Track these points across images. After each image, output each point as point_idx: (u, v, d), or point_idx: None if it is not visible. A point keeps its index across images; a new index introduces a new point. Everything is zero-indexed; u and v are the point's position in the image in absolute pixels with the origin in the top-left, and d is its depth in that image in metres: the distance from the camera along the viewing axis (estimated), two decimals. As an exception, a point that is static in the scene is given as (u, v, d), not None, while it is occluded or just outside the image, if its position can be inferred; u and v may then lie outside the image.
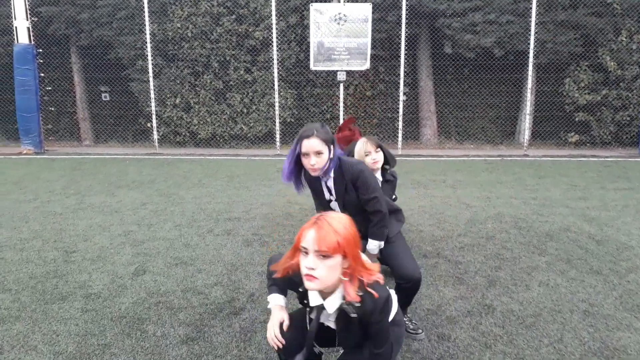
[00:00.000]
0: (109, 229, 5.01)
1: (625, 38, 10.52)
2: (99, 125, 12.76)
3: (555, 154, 10.34)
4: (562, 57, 10.97)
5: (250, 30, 11.06)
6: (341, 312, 1.84)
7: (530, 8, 10.23)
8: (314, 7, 10.20)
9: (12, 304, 3.31)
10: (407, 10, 10.28)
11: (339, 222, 1.71)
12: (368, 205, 2.78)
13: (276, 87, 10.72)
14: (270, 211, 5.60)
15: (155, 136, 11.09)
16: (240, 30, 11.04)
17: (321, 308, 1.86)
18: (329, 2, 10.46)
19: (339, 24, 10.11)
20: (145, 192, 6.70)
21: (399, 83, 10.88)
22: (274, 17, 10.49)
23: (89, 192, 6.66)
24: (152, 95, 10.87)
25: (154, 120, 11.04)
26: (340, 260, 1.72)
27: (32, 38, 10.40)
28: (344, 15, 10.10)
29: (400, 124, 10.73)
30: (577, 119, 11.14)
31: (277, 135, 10.96)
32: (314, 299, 1.85)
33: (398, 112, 10.96)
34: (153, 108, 10.96)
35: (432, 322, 3.05)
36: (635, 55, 10.50)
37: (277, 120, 10.83)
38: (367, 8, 10.13)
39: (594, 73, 10.96)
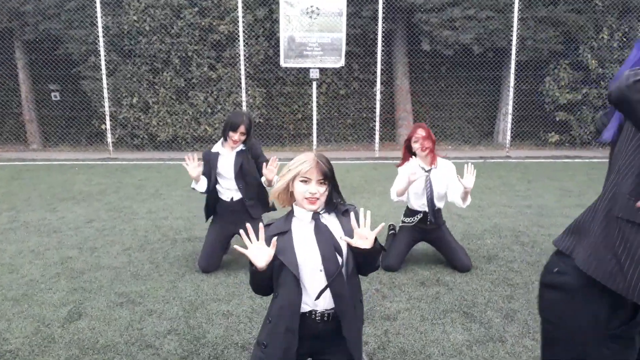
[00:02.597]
0: (43, 254, 4.16)
1: (607, 35, 10.21)
2: (48, 127, 11.65)
3: (538, 155, 9.94)
4: (542, 54, 10.58)
5: (214, 23, 10.21)
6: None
7: (512, 4, 9.78)
8: (283, -1, 9.46)
9: None
10: (383, 4, 9.66)
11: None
12: None
13: (243, 85, 9.94)
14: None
15: (110, 139, 10.12)
16: (203, 23, 10.18)
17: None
18: (300, -6, 9.72)
19: (311, 17, 9.40)
20: (92, 205, 5.83)
21: (374, 81, 10.26)
22: (240, 10, 9.70)
23: (26, 207, 5.75)
24: (106, 95, 9.89)
25: (108, 122, 10.07)
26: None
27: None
28: (317, 8, 9.40)
29: (378, 124, 10.11)
30: (557, 119, 10.79)
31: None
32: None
33: (373, 112, 10.34)
34: (107, 108, 9.98)
35: (447, 381, 2.39)
36: (616, 53, 10.20)
37: (245, 121, 10.04)
38: (342, 1, 9.46)
39: (574, 71, 10.63)
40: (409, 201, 3.85)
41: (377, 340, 2.77)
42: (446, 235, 3.84)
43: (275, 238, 1.81)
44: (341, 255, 1.88)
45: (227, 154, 3.75)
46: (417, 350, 2.67)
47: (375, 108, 10.17)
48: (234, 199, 3.78)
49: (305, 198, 1.88)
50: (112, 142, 10.20)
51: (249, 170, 3.74)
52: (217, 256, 3.77)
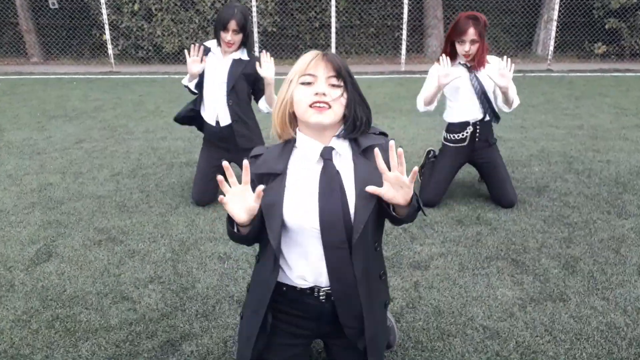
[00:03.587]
0: (21, 180, 3.65)
1: None
2: (48, 38, 10.86)
3: (583, 68, 8.88)
4: (596, -51, 9.15)
5: None
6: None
7: None
8: None
9: None
10: None
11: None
12: None
13: (254, -12, 8.89)
14: (243, 151, 4.22)
15: (111, 51, 9.34)
16: None
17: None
18: None
19: None
20: (85, 124, 5.25)
21: (401, -17, 9.07)
22: None
23: (12, 125, 5.20)
24: (103, 0, 8.97)
25: (108, 32, 9.23)
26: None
27: None
28: None
29: (405, 33, 9.04)
30: (606, 26, 9.54)
31: (256, 48, 9.28)
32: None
33: (400, 19, 9.25)
34: (105, 17, 9.10)
35: (497, 355, 1.85)
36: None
37: (256, 30, 9.10)
38: None
39: (632, -31, 9.22)
40: (453, 114, 3.08)
41: (406, 296, 2.22)
42: (497, 158, 3.12)
43: (261, 187, 1.15)
44: (349, 221, 1.25)
45: (220, 58, 3.02)
46: (457, 310, 2.12)
47: (402, 14, 9.07)
48: (221, 124, 3.05)
49: (310, 106, 1.22)
50: (115, 55, 9.44)
51: (243, 87, 3.03)
52: (211, 186, 3.18)
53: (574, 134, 4.72)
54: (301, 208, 1.26)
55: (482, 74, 2.93)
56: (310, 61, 1.21)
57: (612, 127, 4.95)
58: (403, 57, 9.14)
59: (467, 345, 1.91)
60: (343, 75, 1.22)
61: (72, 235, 2.81)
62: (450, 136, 3.11)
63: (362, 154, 1.30)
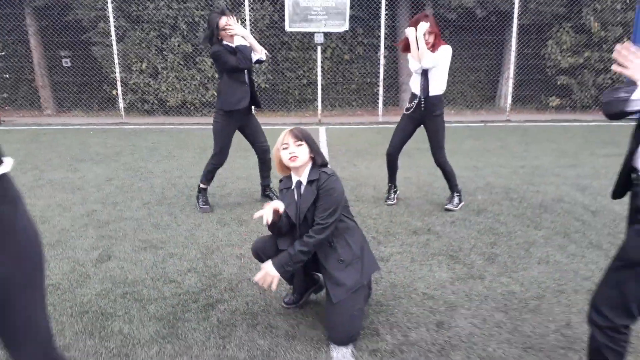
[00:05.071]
0: (70, 208, 4.56)
1: (610, -2, 10.24)
2: (60, 93, 11.96)
3: (538, 119, 10.16)
4: (544, 17, 10.65)
5: (220, -11, 10.35)
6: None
7: (515, -34, 9.81)
8: (288, -37, 9.54)
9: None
10: (386, -33, 9.73)
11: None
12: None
13: (249, 50, 10.11)
14: (247, 186, 5.21)
15: (121, 104, 10.43)
16: (209, -11, 10.32)
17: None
18: (304, -42, 9.78)
19: (315, -19, 9.50)
20: (110, 166, 6.21)
21: (378, 45, 10.41)
22: (245, -25, 9.81)
23: (48, 167, 6.14)
24: (116, 60, 10.15)
25: (119, 88, 10.36)
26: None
27: (-21, -3, 9.48)
28: (321, -28, 9.49)
29: (381, 89, 10.32)
30: (558, 83, 10.94)
31: (252, 102, 10.44)
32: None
33: (377, 77, 10.54)
34: (117, 74, 10.26)
35: (430, 308, 2.78)
36: (619, 16, 10.25)
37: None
38: (345, -35, 9.53)
39: (576, 35, 10.71)
40: (411, 82, 4.30)
41: (372, 277, 3.16)
42: (439, 128, 4.25)
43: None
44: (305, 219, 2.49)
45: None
46: (406, 284, 3.06)
47: (379, 73, 10.37)
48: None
49: (288, 159, 2.43)
50: (124, 107, 10.52)
51: None
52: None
53: (517, 172, 5.79)
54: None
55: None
56: (283, 136, 2.47)
57: (549, 166, 6.04)
58: (380, 109, 10.37)
59: (411, 303, 2.84)
60: (301, 138, 2.45)
61: (123, 245, 3.72)
62: (407, 106, 4.35)
63: (308, 183, 2.45)
